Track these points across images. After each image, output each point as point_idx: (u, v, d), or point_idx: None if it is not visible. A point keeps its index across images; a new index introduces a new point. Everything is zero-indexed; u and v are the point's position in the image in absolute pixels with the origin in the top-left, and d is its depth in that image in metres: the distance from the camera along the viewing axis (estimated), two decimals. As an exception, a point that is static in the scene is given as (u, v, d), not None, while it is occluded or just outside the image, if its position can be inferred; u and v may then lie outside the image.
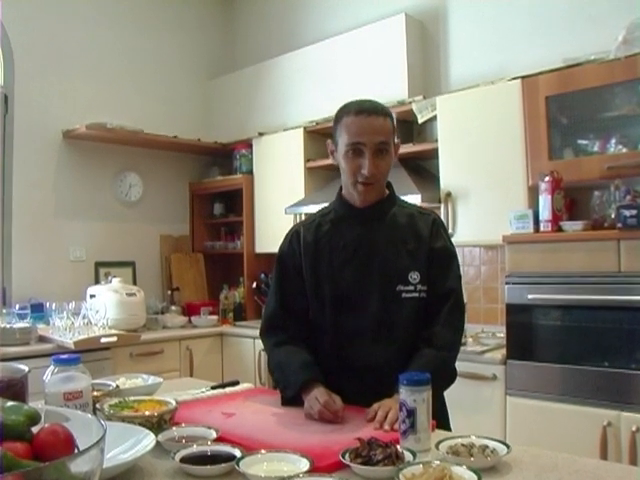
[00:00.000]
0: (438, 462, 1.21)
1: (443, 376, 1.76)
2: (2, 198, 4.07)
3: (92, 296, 3.86)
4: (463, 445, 1.34)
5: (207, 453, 1.31)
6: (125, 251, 4.57)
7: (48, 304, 3.62)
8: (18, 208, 4.07)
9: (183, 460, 1.27)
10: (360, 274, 1.78)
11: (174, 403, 1.57)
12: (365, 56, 3.91)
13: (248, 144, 4.65)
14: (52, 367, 1.49)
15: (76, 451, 0.92)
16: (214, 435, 1.42)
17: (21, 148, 4.09)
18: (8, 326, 3.40)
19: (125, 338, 3.58)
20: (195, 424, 1.51)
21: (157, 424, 1.47)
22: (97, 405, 1.57)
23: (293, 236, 1.91)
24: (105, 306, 3.59)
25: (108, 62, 4.50)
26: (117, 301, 3.78)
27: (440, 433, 1.48)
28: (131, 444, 1.27)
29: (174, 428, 1.47)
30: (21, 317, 3.60)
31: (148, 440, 1.29)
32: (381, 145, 1.72)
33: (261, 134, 4.51)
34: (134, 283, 4.44)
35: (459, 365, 2.99)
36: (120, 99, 4.53)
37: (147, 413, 1.48)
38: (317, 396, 1.64)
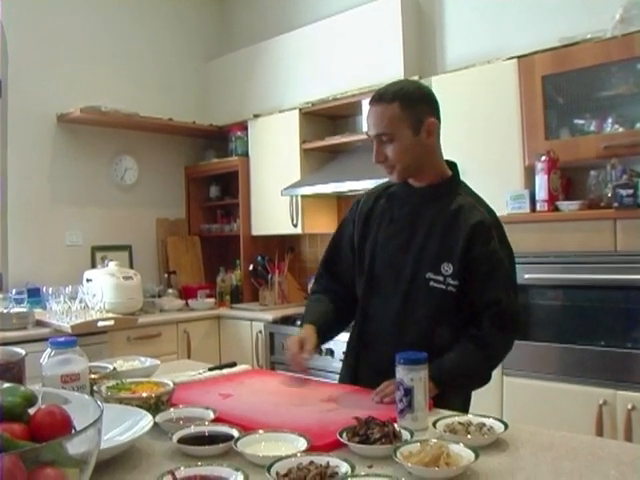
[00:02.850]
0: (435, 440, 1.21)
1: (475, 374, 1.75)
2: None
3: (89, 280, 3.85)
4: (460, 423, 1.35)
5: (205, 433, 1.32)
6: (121, 235, 4.56)
7: (45, 289, 3.61)
8: (13, 193, 4.05)
9: (181, 441, 1.27)
10: (398, 252, 1.78)
11: (171, 385, 1.58)
12: (361, 36, 3.87)
13: (243, 126, 4.63)
14: (49, 350, 1.49)
15: (73, 432, 0.92)
16: (212, 416, 1.42)
17: (15, 133, 4.06)
18: (5, 311, 3.40)
19: (122, 322, 3.58)
20: (193, 405, 1.52)
21: (154, 405, 1.47)
22: (94, 387, 1.57)
23: (355, 203, 1.96)
24: (102, 290, 3.59)
25: (102, 45, 4.46)
26: (114, 285, 3.77)
27: (437, 412, 1.48)
28: (128, 425, 1.28)
29: (172, 409, 1.47)
30: (18, 302, 3.60)
31: (145, 421, 1.29)
32: (381, 136, 1.71)
33: (256, 116, 4.49)
34: (131, 267, 4.43)
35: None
36: (115, 82, 4.49)
37: (144, 395, 1.49)
38: (291, 342, 1.79)
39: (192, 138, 5.02)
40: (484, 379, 1.78)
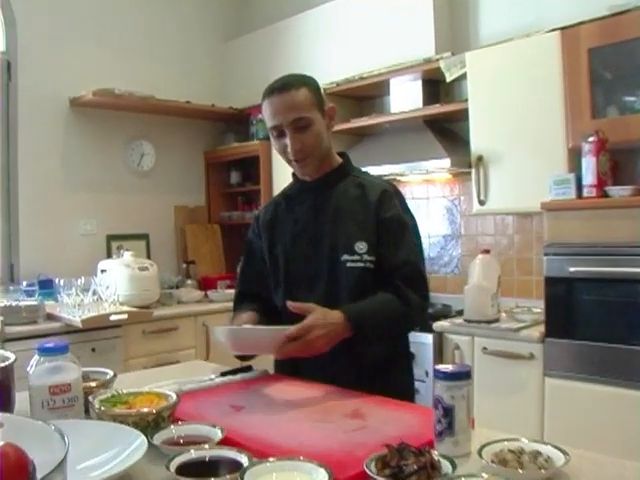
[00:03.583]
0: (485, 475, 1.00)
1: (390, 324, 1.71)
2: (8, 170, 3.90)
3: (103, 271, 3.69)
4: (511, 451, 1.13)
5: (205, 459, 1.12)
6: (138, 223, 4.40)
7: (58, 280, 3.45)
8: (25, 180, 3.90)
9: (180, 469, 1.08)
10: (311, 248, 1.79)
11: (174, 397, 1.38)
12: (388, 11, 3.64)
13: (265, 109, 4.42)
14: (36, 357, 1.33)
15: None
16: (219, 435, 1.22)
17: (26, 117, 3.90)
18: (14, 304, 3.21)
19: (136, 315, 3.41)
20: (198, 421, 1.32)
21: (154, 422, 1.28)
22: (90, 398, 1.38)
23: (255, 220, 1.98)
24: (116, 281, 3.42)
25: (116, 25, 4.27)
26: (128, 276, 3.59)
27: (480, 434, 1.26)
28: (115, 453, 1.08)
29: (172, 426, 1.28)
30: (29, 294, 3.45)
31: (137, 446, 1.10)
32: (297, 121, 1.69)
33: (278, 98, 4.28)
34: (148, 256, 4.27)
35: (492, 343, 2.82)
36: (129, 63, 4.31)
37: (144, 410, 1.29)
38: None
39: (211, 122, 4.83)
40: (398, 333, 1.80)
